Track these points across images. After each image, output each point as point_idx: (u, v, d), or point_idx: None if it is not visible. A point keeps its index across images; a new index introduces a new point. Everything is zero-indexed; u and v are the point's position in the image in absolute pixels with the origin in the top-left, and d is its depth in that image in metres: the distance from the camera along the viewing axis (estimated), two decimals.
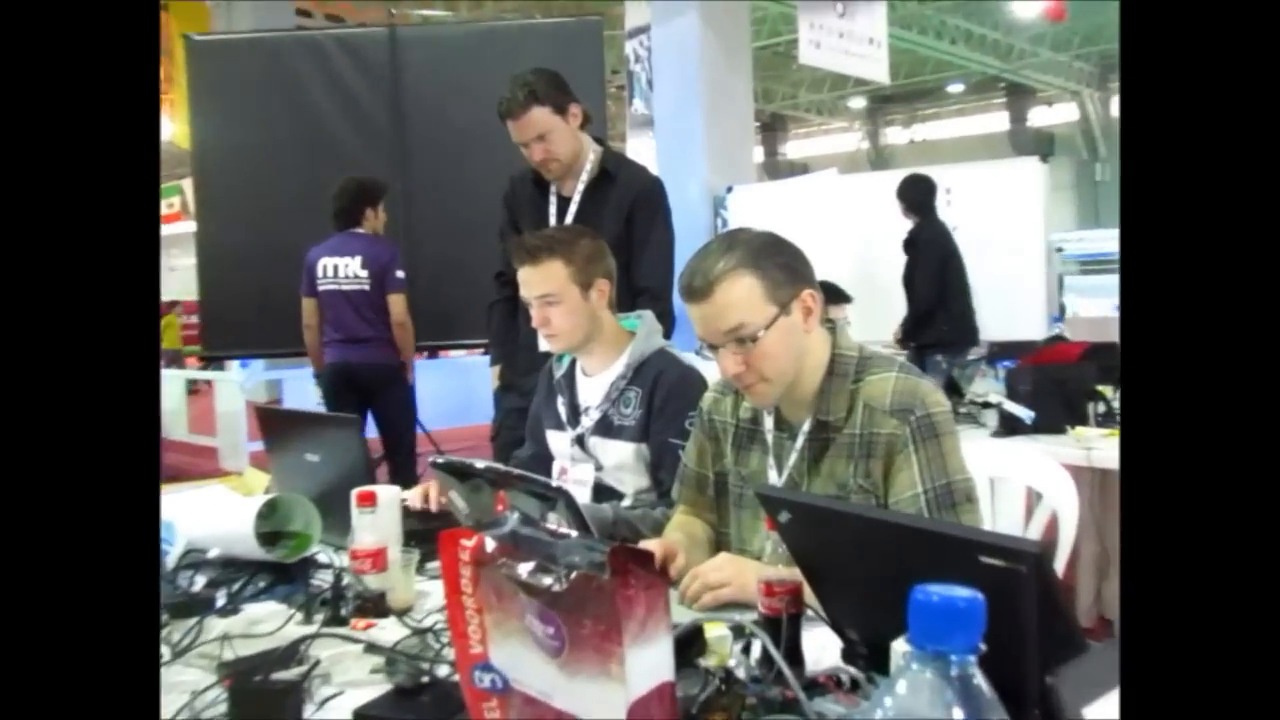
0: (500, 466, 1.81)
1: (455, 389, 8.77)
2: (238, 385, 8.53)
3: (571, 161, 3.09)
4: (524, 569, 0.82)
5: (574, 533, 0.85)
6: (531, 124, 2.99)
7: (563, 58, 4.29)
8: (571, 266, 2.35)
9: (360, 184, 5.04)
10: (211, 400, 9.10)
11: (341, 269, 4.98)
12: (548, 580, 0.80)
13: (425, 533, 2.17)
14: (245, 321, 5.87)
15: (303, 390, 8.07)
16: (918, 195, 5.99)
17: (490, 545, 0.85)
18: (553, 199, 3.15)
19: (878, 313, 6.27)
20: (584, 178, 3.11)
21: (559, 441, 2.51)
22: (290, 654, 1.47)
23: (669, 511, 2.21)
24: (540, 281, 2.36)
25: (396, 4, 13.55)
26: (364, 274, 4.97)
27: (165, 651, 1.53)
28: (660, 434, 2.31)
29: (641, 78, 9.66)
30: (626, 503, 2.32)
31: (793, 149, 25.71)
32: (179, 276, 20.76)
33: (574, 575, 0.78)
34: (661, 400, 2.33)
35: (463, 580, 0.86)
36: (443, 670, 1.39)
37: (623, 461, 2.37)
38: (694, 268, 1.78)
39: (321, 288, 5.02)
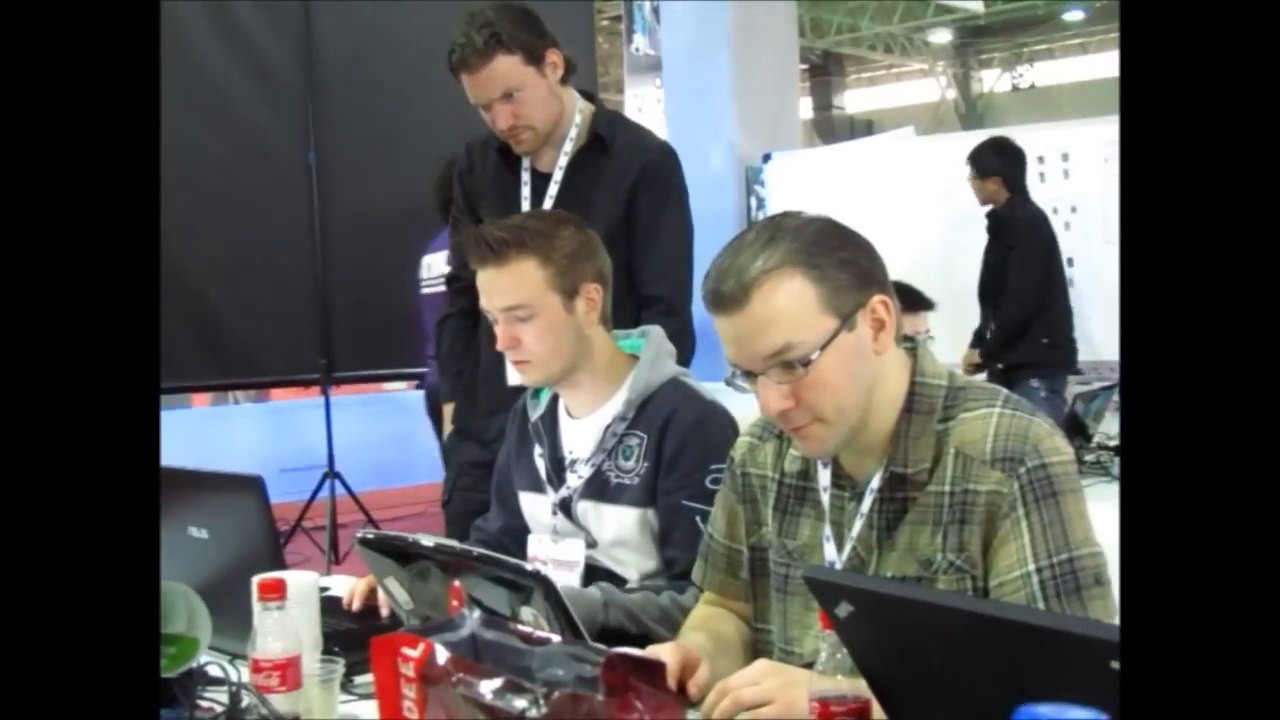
0: (454, 544, 1.81)
1: (389, 435, 8.79)
2: None
3: (550, 128, 3.08)
4: (488, 688, 0.83)
5: (556, 636, 0.85)
6: (495, 78, 2.98)
7: None
8: (550, 267, 2.35)
9: None
10: None
11: (438, 267, 5.04)
12: (520, 703, 0.81)
13: (353, 635, 2.19)
14: None
15: (188, 438, 8.10)
16: (1010, 163, 6.02)
17: (442, 655, 0.86)
18: (525, 176, 3.16)
19: (972, 325, 6.29)
20: (568, 147, 3.12)
21: (536, 508, 2.52)
22: None
23: (682, 598, 2.21)
24: (507, 288, 2.36)
25: None
26: None
27: None
28: (671, 494, 2.32)
29: (645, 6, 9.72)
30: (662, 599, 2.29)
31: (853, 100, 25.77)
32: None
33: (556, 695, 0.78)
34: (674, 449, 2.34)
35: (405, 703, 0.87)
36: None
37: (623, 534, 2.38)
38: (724, 267, 1.79)
39: (424, 290, 5.09)
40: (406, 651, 0.88)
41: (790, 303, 1.76)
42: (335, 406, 5.94)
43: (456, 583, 1.50)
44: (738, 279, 1.77)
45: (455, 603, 1.40)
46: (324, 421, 5.86)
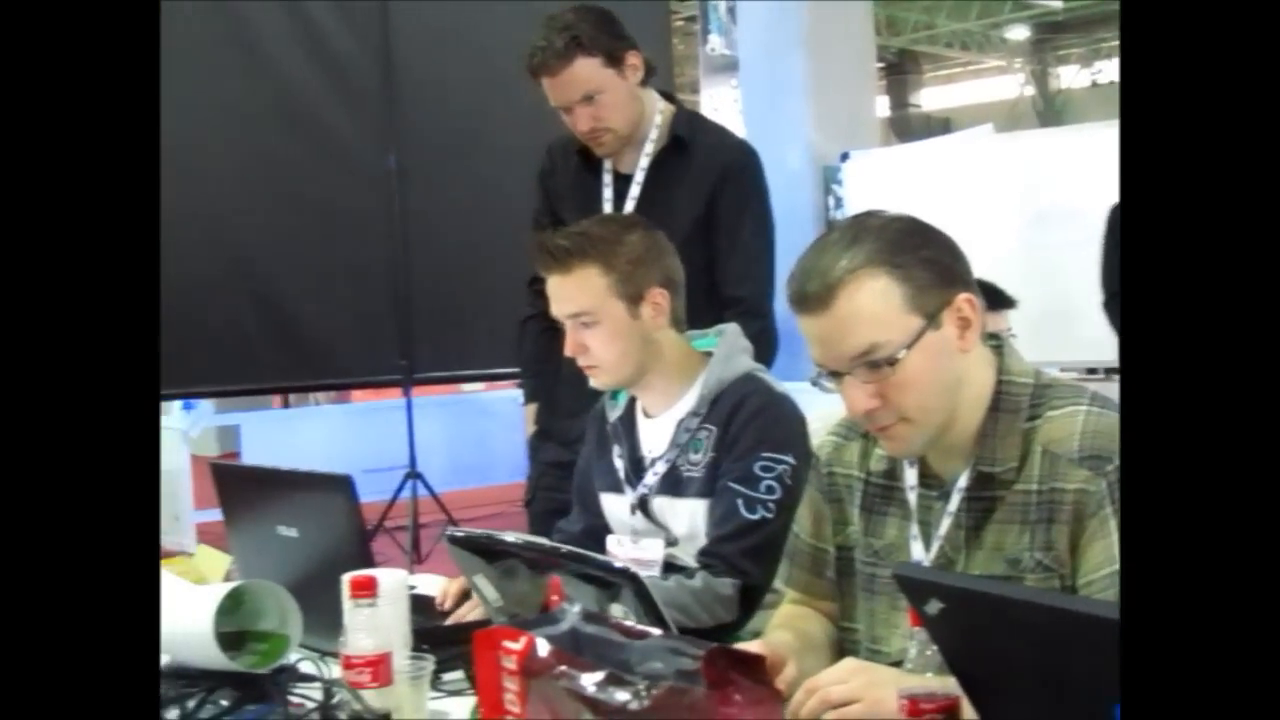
0: (543, 542, 1.83)
1: (469, 436, 8.85)
2: (180, 434, 8.65)
3: (630, 130, 3.09)
4: (590, 680, 0.84)
5: (656, 630, 0.86)
6: (575, 81, 2.99)
7: None
8: (612, 274, 2.37)
9: None
10: None
11: None
12: (622, 696, 0.82)
13: (440, 633, 2.21)
14: (190, 348, 5.95)
15: (268, 439, 8.19)
16: None
17: (544, 649, 0.87)
18: (607, 177, 3.16)
19: (1053, 324, 6.21)
20: (649, 149, 3.12)
21: (616, 508, 2.53)
22: None
23: (715, 581, 2.21)
24: (571, 295, 2.38)
25: None
26: None
27: None
28: (721, 477, 2.34)
29: (720, 6, 9.70)
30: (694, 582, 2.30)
31: (929, 98, 25.57)
32: None
33: (658, 689, 0.79)
34: (734, 435, 2.35)
35: (506, 696, 0.88)
36: None
37: (694, 527, 2.39)
38: (807, 267, 1.80)
39: None
40: (508, 645, 0.89)
41: (875, 302, 1.76)
42: (415, 407, 5.97)
43: (555, 579, 1.51)
44: (822, 279, 1.77)
45: (555, 597, 1.41)
46: (404, 422, 5.89)
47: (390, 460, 5.97)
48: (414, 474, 5.78)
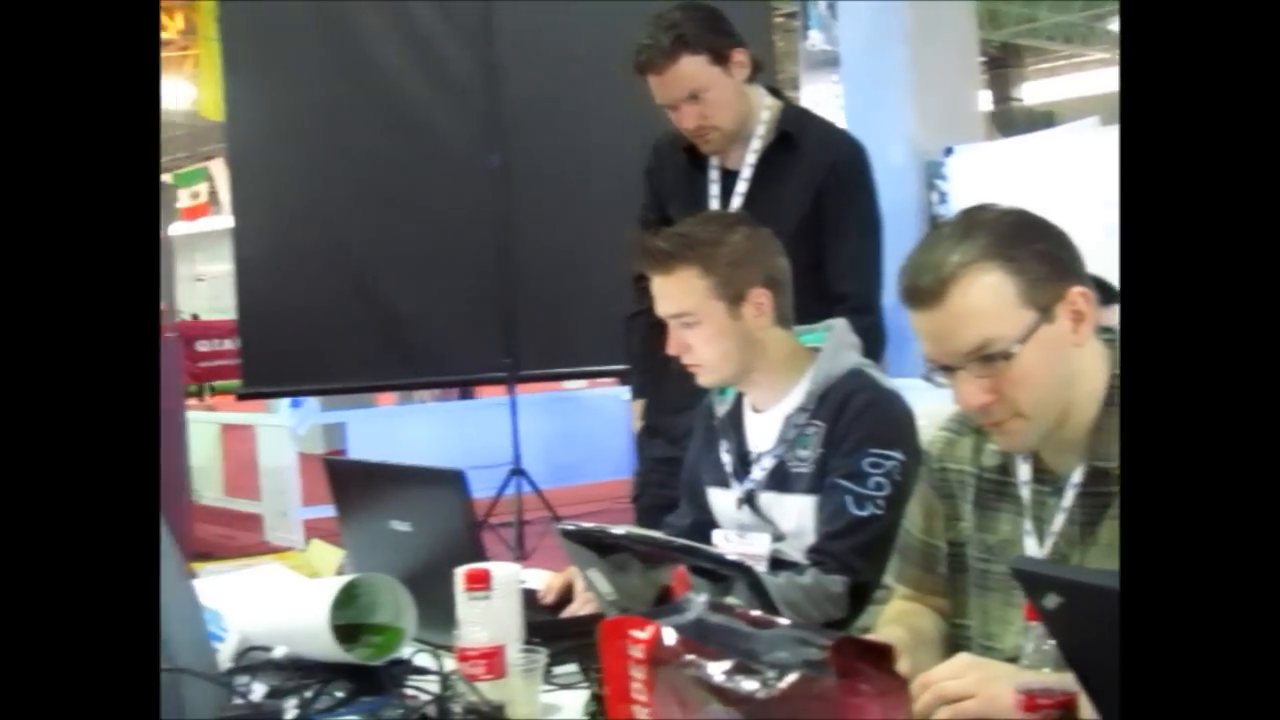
0: (655, 535, 1.84)
1: (572, 433, 8.89)
2: (288, 432, 8.77)
3: (737, 127, 3.09)
4: (717, 669, 0.84)
5: (784, 620, 0.86)
6: (681, 79, 3.00)
7: None
8: (712, 276, 2.36)
9: None
10: (253, 452, 9.36)
11: None
12: (750, 685, 0.82)
13: (550, 627, 2.23)
14: (298, 347, 6.04)
15: (374, 437, 8.27)
16: None
17: (670, 638, 0.87)
18: (713, 173, 3.17)
19: None
20: (755, 144, 3.12)
21: (723, 503, 2.53)
22: None
23: (826, 579, 2.21)
24: (673, 296, 2.39)
25: None
26: None
27: None
28: (830, 474, 2.33)
29: (820, 3, 9.66)
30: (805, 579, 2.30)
31: (1032, 92, 25.26)
32: (208, 288, 21.58)
33: (786, 678, 0.79)
34: (842, 432, 2.34)
35: (633, 685, 0.89)
36: None
37: (802, 524, 2.39)
38: (919, 262, 1.79)
39: None
40: (635, 634, 0.90)
41: (988, 296, 1.74)
42: (519, 405, 6.00)
43: (681, 570, 1.52)
44: (934, 274, 1.76)
45: (680, 589, 1.42)
46: (508, 420, 5.93)
47: (494, 457, 6.00)
48: (518, 471, 5.81)
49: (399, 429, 9.05)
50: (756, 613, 0.89)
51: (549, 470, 6.19)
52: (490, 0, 5.87)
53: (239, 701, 1.97)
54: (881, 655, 0.82)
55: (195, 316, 17.67)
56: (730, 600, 1.65)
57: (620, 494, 5.94)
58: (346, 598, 2.05)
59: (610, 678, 0.92)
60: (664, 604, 1.67)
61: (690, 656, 0.87)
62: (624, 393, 8.89)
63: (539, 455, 6.08)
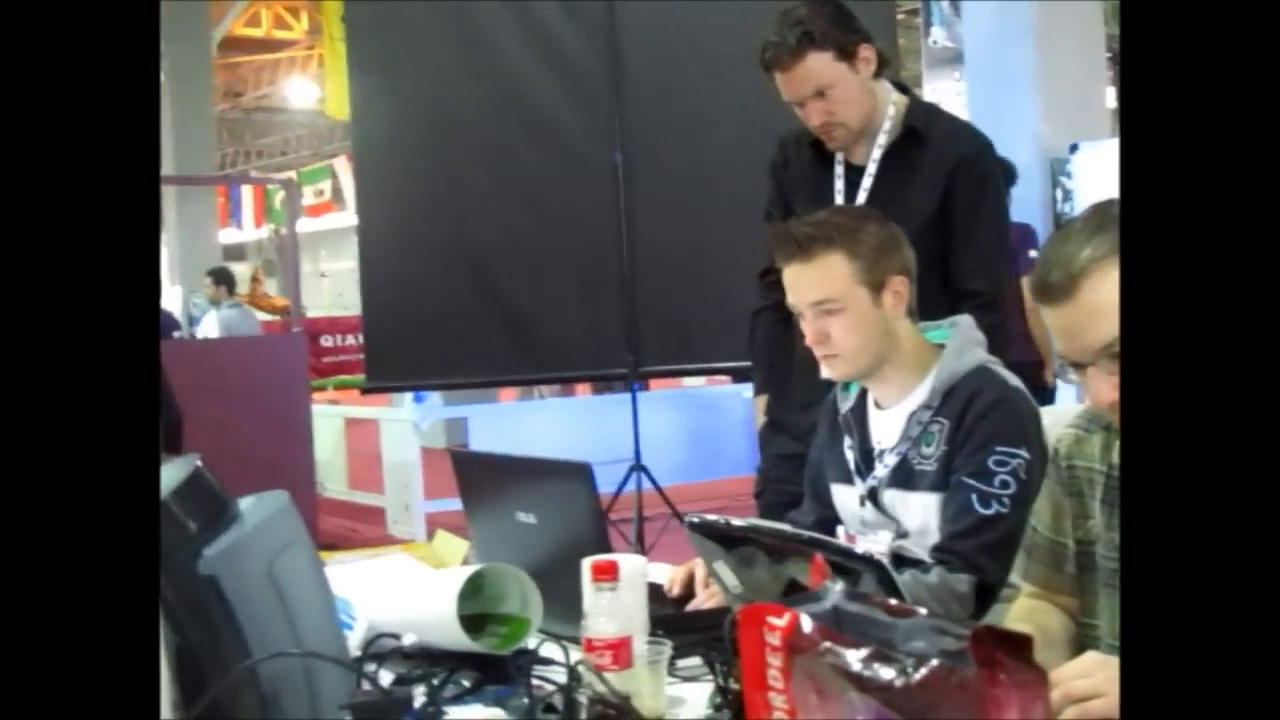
0: (783, 527, 1.84)
1: (694, 431, 8.89)
2: (411, 426, 8.87)
3: (863, 123, 3.08)
4: (854, 657, 0.85)
5: (921, 610, 0.86)
6: (808, 76, 2.99)
7: None
8: (856, 261, 2.36)
9: None
10: (376, 446, 9.48)
11: None
12: (888, 673, 0.82)
13: (679, 620, 2.24)
14: (421, 342, 6.11)
15: (495, 432, 8.34)
16: None
17: (808, 625, 0.88)
18: (839, 169, 3.16)
19: None
20: (881, 140, 3.11)
21: (846, 499, 2.53)
22: None
23: (951, 577, 2.19)
24: (815, 283, 2.38)
25: None
26: None
27: None
28: (955, 472, 2.32)
29: (944, 1, 9.60)
30: (930, 577, 2.29)
31: None
32: (332, 284, 21.91)
33: (925, 666, 0.80)
34: (967, 430, 2.33)
35: (770, 672, 0.89)
36: None
37: (926, 521, 2.37)
38: (1050, 257, 1.77)
39: None
40: (772, 621, 0.90)
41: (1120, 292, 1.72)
42: (639, 402, 6.01)
43: (819, 560, 1.52)
44: (1065, 269, 1.74)
45: (818, 577, 1.42)
46: (629, 416, 5.94)
47: (614, 453, 6.02)
48: (639, 467, 5.82)
49: (520, 424, 9.12)
50: (894, 602, 0.90)
51: (669, 467, 6.20)
52: (614, 3, 5.89)
53: (368, 687, 2.00)
54: (1020, 646, 0.81)
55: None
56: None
57: (740, 491, 5.94)
58: (473, 588, 2.08)
59: (747, 665, 0.93)
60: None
61: (827, 644, 0.87)
62: (744, 390, 8.92)
63: (659, 452, 6.09)
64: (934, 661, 0.82)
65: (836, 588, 0.92)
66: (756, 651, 0.91)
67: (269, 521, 1.84)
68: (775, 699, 0.90)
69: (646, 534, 5.75)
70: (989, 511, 2.25)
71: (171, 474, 1.84)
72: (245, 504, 1.86)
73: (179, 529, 1.78)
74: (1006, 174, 6.22)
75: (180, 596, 1.69)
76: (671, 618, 2.22)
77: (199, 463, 1.85)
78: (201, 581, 1.73)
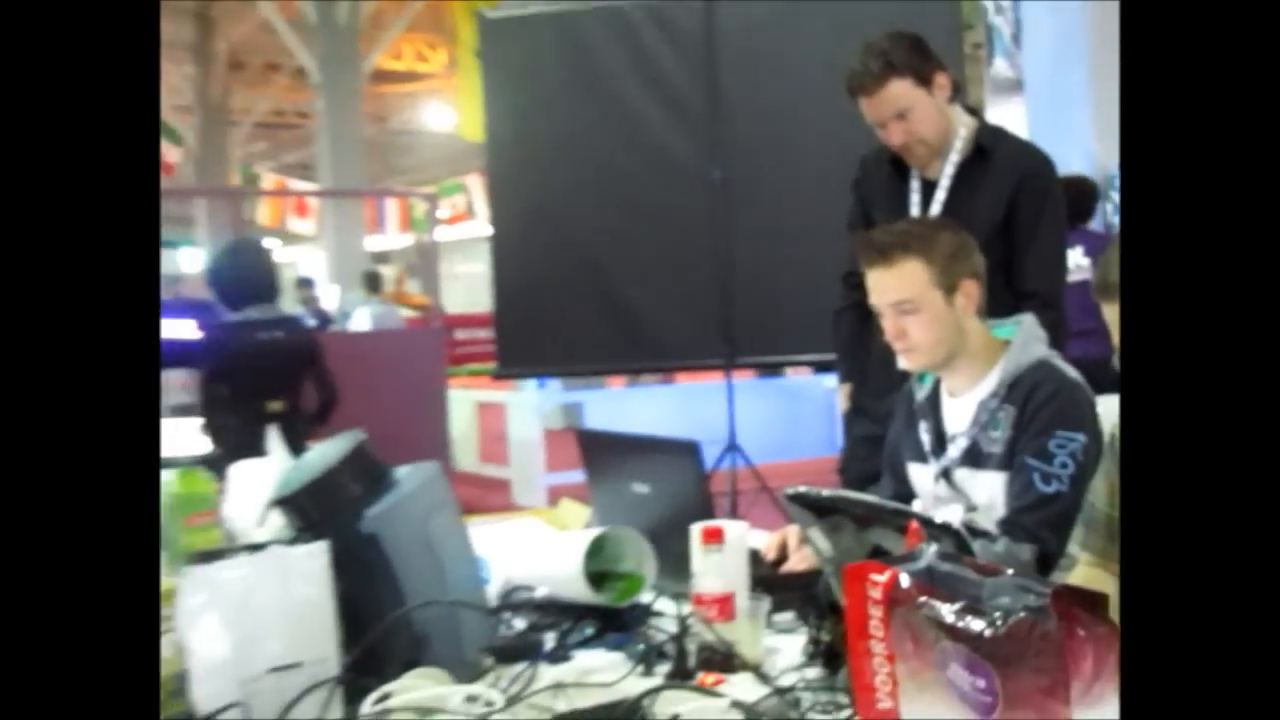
0: (870, 498, 1.83)
1: (781, 415, 8.87)
2: (534, 409, 8.95)
3: (939, 142, 3.06)
4: (948, 610, 0.85)
5: (1007, 570, 0.86)
6: (889, 100, 2.98)
7: (908, 15, 4.27)
8: (933, 267, 2.35)
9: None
10: (503, 426, 9.58)
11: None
12: (978, 624, 0.82)
13: (776, 580, 2.24)
14: (545, 336, 6.16)
15: (607, 415, 8.39)
16: None
17: (905, 581, 0.88)
18: (914, 183, 3.14)
19: None
20: (954, 157, 3.08)
21: (921, 476, 2.52)
22: (635, 709, 1.56)
23: (1016, 548, 2.17)
24: (895, 285, 2.37)
25: None
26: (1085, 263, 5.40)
27: (496, 697, 1.65)
28: (1019, 453, 2.29)
29: (1004, 32, 9.45)
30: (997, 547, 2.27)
31: None
32: (464, 285, 22.11)
33: (1011, 620, 0.79)
34: (1030, 416, 2.30)
35: (871, 622, 0.90)
36: None
37: (993, 498, 2.36)
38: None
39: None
40: (874, 578, 0.90)
41: None
42: (734, 389, 6.01)
43: (914, 525, 1.52)
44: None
45: (913, 539, 1.42)
46: (725, 402, 5.94)
47: (710, 435, 6.00)
48: (733, 446, 5.82)
49: (627, 408, 9.17)
50: (982, 561, 0.90)
51: (759, 447, 6.15)
52: (714, 32, 5.89)
53: (505, 633, 2.03)
54: (1096, 605, 0.81)
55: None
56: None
57: (820, 469, 5.89)
58: (595, 548, 2.10)
59: (851, 615, 0.93)
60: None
61: (923, 599, 0.87)
62: (824, 380, 8.88)
63: (750, 433, 6.05)
64: (1019, 615, 0.82)
65: (930, 549, 0.91)
66: (860, 604, 0.92)
67: (423, 487, 1.87)
68: (875, 646, 0.90)
69: (740, 506, 5.74)
70: (1050, 489, 2.23)
71: (338, 446, 1.88)
72: (402, 472, 1.89)
73: (345, 493, 1.82)
74: (1094, 192, 6.20)
75: (345, 551, 1.72)
76: (768, 578, 2.22)
77: (362, 436, 1.89)
78: (364, 539, 1.77)
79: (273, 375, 5.07)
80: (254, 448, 2.78)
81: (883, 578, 0.90)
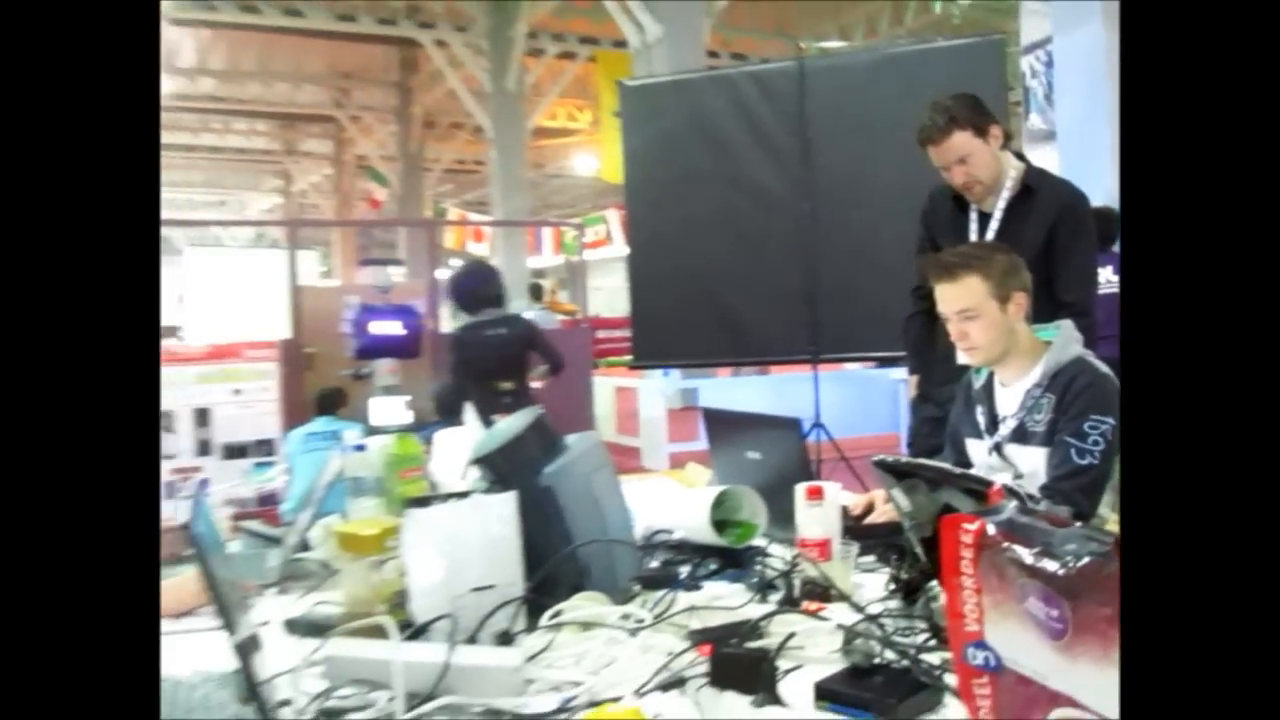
0: (944, 465, 1.81)
1: (854, 399, 8.77)
2: (659, 393, 8.98)
3: (993, 182, 3.00)
4: (1027, 553, 0.83)
5: (1077, 522, 0.85)
6: (953, 148, 2.94)
7: (963, 79, 4.19)
8: (989, 282, 2.31)
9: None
10: (635, 406, 9.63)
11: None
12: (1052, 565, 0.81)
13: (862, 530, 2.22)
14: (669, 335, 6.19)
15: (716, 398, 8.38)
16: None
17: (992, 530, 0.87)
18: (973, 215, 3.08)
19: None
20: (1005, 194, 3.02)
21: (977, 450, 2.47)
22: (755, 629, 1.55)
23: (1056, 509, 2.12)
24: (958, 297, 2.33)
25: (797, 37, 13.77)
26: (1114, 279, 5.25)
27: (644, 615, 1.66)
28: (1059, 432, 2.24)
29: (1038, 92, 9.20)
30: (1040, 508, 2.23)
31: None
32: (602, 295, 22.23)
33: (1080, 562, 0.78)
34: (1068, 402, 2.25)
35: (963, 562, 0.89)
36: (890, 655, 1.42)
37: (1036, 468, 2.30)
38: None
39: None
40: (966, 527, 0.89)
41: None
42: (819, 379, 5.97)
43: (994, 489, 1.49)
44: None
45: (996, 497, 1.40)
46: (810, 388, 5.90)
47: (799, 415, 5.94)
48: (818, 424, 5.77)
49: (733, 393, 9.12)
50: (1054, 514, 0.88)
51: (837, 424, 6.08)
52: (805, 92, 5.85)
53: (649, 566, 2.04)
54: None
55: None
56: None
57: (885, 443, 5.83)
58: (718, 502, 2.10)
59: (946, 556, 0.92)
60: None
61: (1006, 544, 0.86)
62: (889, 372, 8.76)
63: (830, 413, 5.99)
64: (1087, 559, 0.80)
65: (1011, 505, 0.90)
66: (953, 546, 0.90)
67: (588, 451, 1.89)
68: (966, 581, 0.89)
69: (822, 471, 5.69)
70: (1084, 462, 2.18)
71: (523, 419, 1.91)
72: (571, 439, 1.91)
73: (528, 455, 1.84)
74: (1118, 221, 5.98)
75: (528, 500, 1.74)
76: (855, 528, 2.20)
77: (541, 411, 1.92)
78: (542, 491, 1.79)
79: (501, 362, 5.35)
80: (487, 419, 2.88)
81: (973, 527, 0.88)
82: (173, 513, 5.25)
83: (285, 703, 1.37)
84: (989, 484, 1.70)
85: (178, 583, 1.95)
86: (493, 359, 5.33)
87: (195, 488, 5.82)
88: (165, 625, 1.84)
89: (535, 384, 5.79)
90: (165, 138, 20.42)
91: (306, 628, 1.73)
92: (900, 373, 5.39)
